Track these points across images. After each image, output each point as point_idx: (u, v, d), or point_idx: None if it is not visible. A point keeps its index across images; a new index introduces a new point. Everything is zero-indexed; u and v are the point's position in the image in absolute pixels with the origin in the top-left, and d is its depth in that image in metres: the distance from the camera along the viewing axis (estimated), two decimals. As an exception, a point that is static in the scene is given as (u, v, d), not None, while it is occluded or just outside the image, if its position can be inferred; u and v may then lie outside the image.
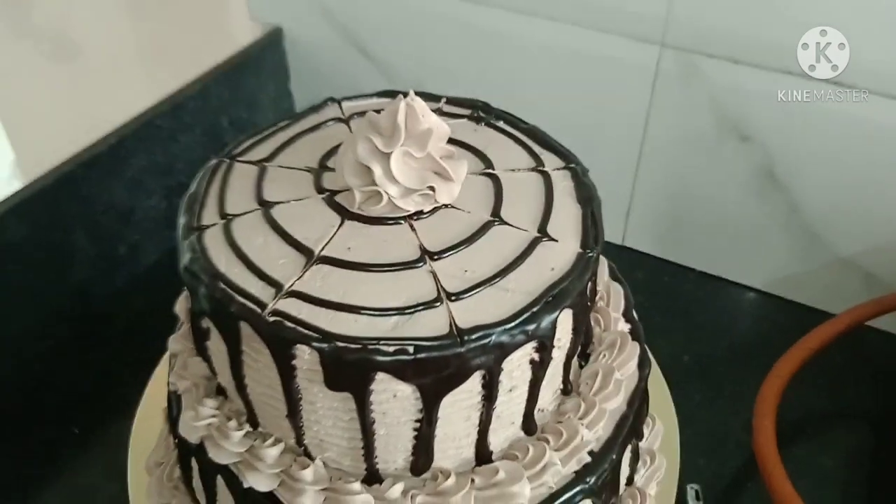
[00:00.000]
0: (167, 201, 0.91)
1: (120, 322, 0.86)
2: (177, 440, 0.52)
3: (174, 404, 0.51)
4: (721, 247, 0.90)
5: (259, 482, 0.46)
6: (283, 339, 0.42)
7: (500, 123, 0.54)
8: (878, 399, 0.80)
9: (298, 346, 0.41)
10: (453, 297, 0.43)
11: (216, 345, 0.46)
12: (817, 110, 0.77)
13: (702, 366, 0.83)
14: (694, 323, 0.87)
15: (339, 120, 0.54)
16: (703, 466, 0.74)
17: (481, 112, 0.55)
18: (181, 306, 0.53)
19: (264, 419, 0.47)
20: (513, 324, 0.42)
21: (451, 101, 0.55)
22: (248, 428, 0.48)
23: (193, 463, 0.50)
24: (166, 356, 0.57)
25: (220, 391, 0.50)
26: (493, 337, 0.42)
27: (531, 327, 0.42)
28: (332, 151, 0.50)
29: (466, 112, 0.55)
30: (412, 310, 0.42)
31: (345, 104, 0.55)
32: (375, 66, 0.96)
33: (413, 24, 0.91)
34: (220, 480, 0.48)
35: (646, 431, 0.56)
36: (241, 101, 0.98)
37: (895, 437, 0.77)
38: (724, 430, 0.77)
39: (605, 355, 0.51)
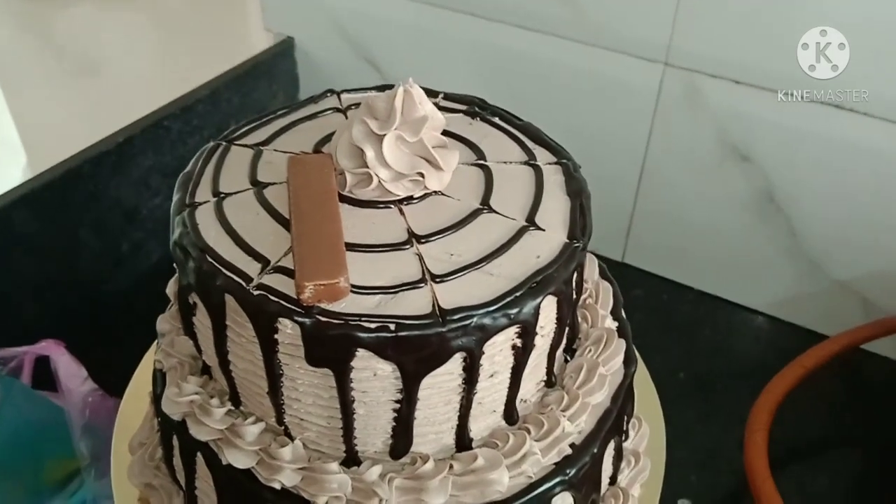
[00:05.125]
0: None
1: (125, 319, 0.86)
2: (159, 418, 0.52)
3: (159, 382, 0.52)
4: (720, 267, 0.90)
5: (238, 459, 0.46)
6: (266, 313, 0.42)
7: (496, 119, 0.55)
8: (874, 423, 0.80)
9: (281, 319, 0.42)
10: (438, 279, 0.43)
11: (202, 320, 0.47)
12: (816, 133, 0.77)
13: (697, 383, 0.83)
14: (691, 341, 0.87)
15: (336, 110, 0.55)
16: (695, 482, 0.74)
17: (477, 108, 0.55)
18: (171, 288, 0.54)
19: (246, 397, 0.47)
20: (495, 307, 0.42)
21: (448, 96, 0.56)
22: (229, 406, 0.48)
23: (175, 441, 0.51)
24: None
25: (205, 371, 0.50)
26: (475, 319, 0.42)
27: (513, 311, 0.43)
28: (327, 138, 0.51)
29: (463, 107, 0.56)
30: (396, 289, 0.43)
31: (343, 96, 0.56)
32: (384, 79, 0.98)
33: (422, 38, 0.92)
34: (199, 458, 0.48)
35: (631, 432, 0.56)
36: (250, 107, 0.99)
37: (889, 461, 0.76)
38: (717, 446, 0.76)
39: (590, 350, 0.51)
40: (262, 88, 1.00)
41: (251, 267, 0.44)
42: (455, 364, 0.43)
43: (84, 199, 0.84)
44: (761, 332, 0.89)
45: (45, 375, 0.74)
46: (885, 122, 0.74)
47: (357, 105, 0.54)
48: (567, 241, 0.46)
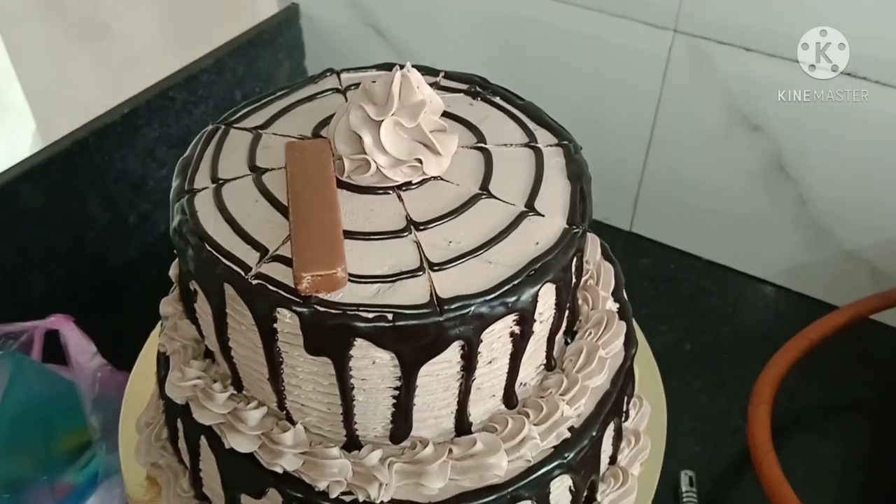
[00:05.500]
0: (179, 173, 0.92)
1: (134, 290, 0.87)
2: (164, 400, 0.53)
3: (163, 365, 0.52)
4: (728, 236, 0.89)
5: (240, 444, 0.46)
6: (264, 303, 0.42)
7: (497, 99, 0.54)
8: (879, 393, 0.80)
9: (279, 309, 0.42)
10: (436, 268, 0.43)
11: (202, 307, 0.47)
12: (827, 102, 0.76)
13: (703, 354, 0.83)
14: (698, 311, 0.87)
15: (336, 90, 0.54)
16: (699, 453, 0.74)
17: (478, 87, 0.55)
18: (174, 270, 0.54)
19: (248, 382, 0.48)
20: (493, 295, 0.42)
21: (449, 75, 0.55)
22: (232, 390, 0.48)
23: (179, 423, 0.51)
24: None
25: (208, 354, 0.51)
26: (473, 307, 0.42)
27: (511, 299, 0.43)
28: (326, 121, 0.51)
29: (464, 87, 0.55)
30: (394, 278, 0.43)
31: (343, 75, 0.55)
32: (390, 46, 0.97)
33: (428, 5, 0.91)
34: (203, 441, 0.49)
35: (632, 412, 0.56)
36: (255, 76, 0.98)
37: (893, 431, 0.76)
38: (721, 418, 0.76)
39: (591, 333, 0.51)
40: (266, 57, 0.99)
41: (250, 256, 0.44)
42: (453, 352, 0.43)
43: (90, 171, 0.84)
44: (769, 302, 0.88)
45: (54, 349, 0.75)
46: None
47: (357, 85, 0.54)
48: (566, 226, 0.46)
